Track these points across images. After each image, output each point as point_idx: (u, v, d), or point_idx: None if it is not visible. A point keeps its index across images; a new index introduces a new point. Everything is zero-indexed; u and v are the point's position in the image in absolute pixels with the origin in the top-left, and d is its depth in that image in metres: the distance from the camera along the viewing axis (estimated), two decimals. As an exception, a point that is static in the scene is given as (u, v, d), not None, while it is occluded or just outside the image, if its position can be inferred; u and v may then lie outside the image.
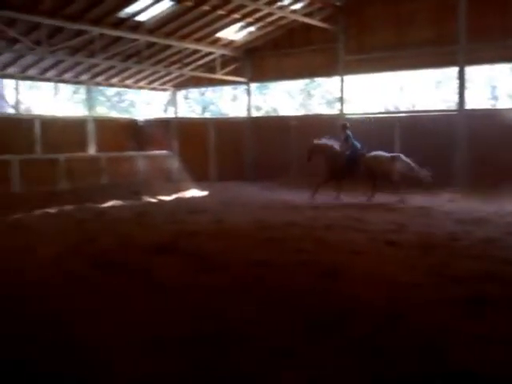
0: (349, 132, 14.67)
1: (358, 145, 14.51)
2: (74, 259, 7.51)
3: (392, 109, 27.81)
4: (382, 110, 26.19)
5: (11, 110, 30.19)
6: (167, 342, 4.31)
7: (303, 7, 17.93)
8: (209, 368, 3.86)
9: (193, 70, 21.11)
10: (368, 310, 5.03)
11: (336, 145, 14.63)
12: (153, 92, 25.32)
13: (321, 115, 23.89)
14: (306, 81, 28.75)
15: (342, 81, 19.04)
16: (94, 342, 4.34)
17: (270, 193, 16.02)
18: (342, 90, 19.20)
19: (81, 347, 4.25)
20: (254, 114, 23.69)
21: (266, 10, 17.17)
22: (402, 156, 14.03)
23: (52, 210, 12.95)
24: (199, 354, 4.08)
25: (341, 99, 19.36)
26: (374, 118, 18.63)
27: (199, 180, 17.52)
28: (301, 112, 31.06)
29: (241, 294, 5.71)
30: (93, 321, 4.91)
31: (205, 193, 16.53)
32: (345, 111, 19.16)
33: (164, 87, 23.75)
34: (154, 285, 6.10)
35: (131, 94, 31.86)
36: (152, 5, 15.71)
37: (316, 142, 14.74)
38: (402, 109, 27.40)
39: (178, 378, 3.74)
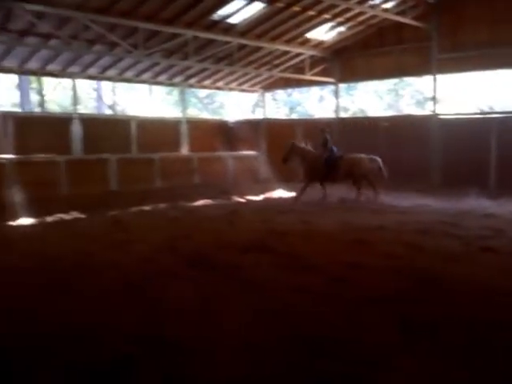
0: (327, 136, 15.14)
1: (335, 149, 15.06)
2: (168, 255, 7.79)
3: (487, 109, 26.63)
4: (477, 111, 25.13)
5: (109, 111, 31.73)
6: (264, 343, 4.35)
7: (395, 6, 17.57)
8: (307, 370, 3.89)
9: (282, 71, 21.23)
10: (467, 318, 4.88)
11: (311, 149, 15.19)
12: (242, 93, 25.71)
13: (412, 116, 23.30)
14: (395, 80, 28.11)
15: (435, 80, 18.47)
16: (191, 342, 4.42)
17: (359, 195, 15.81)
18: (434, 90, 18.63)
19: (176, 346, 4.34)
20: (342, 114, 23.45)
21: (356, 10, 16.97)
22: (378, 158, 14.82)
23: (147, 208, 13.51)
24: (297, 356, 4.10)
25: (433, 99, 18.79)
26: (467, 118, 17.93)
27: (287, 181, 17.61)
28: (389, 112, 30.43)
29: (334, 295, 5.71)
30: (186, 319, 5.02)
31: (292, 193, 16.60)
32: (437, 111, 18.58)
33: (253, 89, 24.07)
34: (248, 284, 6.17)
35: (221, 96, 32.54)
36: (244, 7, 15.97)
37: (295, 143, 15.13)
38: (497, 109, 26.16)
39: (276, 380, 3.79)
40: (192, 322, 4.91)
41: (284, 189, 17.02)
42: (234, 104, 30.83)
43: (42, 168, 14.69)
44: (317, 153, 14.98)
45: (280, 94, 32.34)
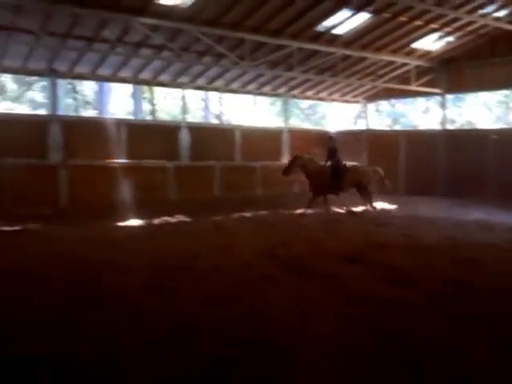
0: (334, 144, 14.76)
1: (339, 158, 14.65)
2: (268, 261, 7.96)
3: None
4: None
5: (215, 120, 32.78)
6: (358, 355, 4.33)
7: (508, 14, 16.81)
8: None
9: (386, 81, 20.96)
10: None
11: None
12: (344, 104, 25.62)
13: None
14: (505, 92, 26.79)
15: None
16: (291, 346, 4.48)
17: (463, 210, 15.23)
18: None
19: (277, 350, 4.41)
20: (448, 126, 22.71)
21: (466, 19, 16.44)
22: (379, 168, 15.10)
23: (248, 214, 13.85)
24: (392, 374, 4.06)
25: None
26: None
27: (388, 193, 17.35)
28: (499, 125, 29.01)
29: (433, 310, 5.59)
30: (286, 324, 5.09)
31: (393, 206, 16.32)
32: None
33: (356, 99, 23.92)
34: (345, 294, 6.18)
35: (323, 107, 32.59)
36: (349, 18, 15.98)
37: (299, 155, 14.64)
38: None
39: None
40: (291, 328, 4.99)
41: (385, 201, 16.75)
42: (336, 115, 30.76)
43: (151, 173, 15.52)
44: (320, 165, 14.57)
45: (383, 104, 31.85)
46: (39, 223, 11.45)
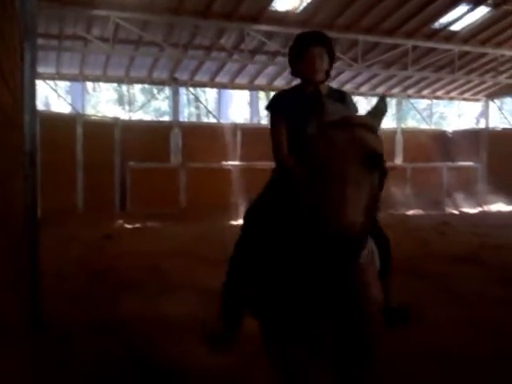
0: None
1: None
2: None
3: None
4: None
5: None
6: (466, 359, 4.24)
7: None
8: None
9: (509, 77, 19.88)
10: None
11: None
12: (463, 103, 24.62)
13: None
14: None
15: None
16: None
17: None
18: None
19: None
20: None
21: None
22: None
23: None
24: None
25: None
26: None
27: (507, 194, 16.49)
28: None
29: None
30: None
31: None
32: None
33: (476, 97, 22.90)
34: (453, 294, 6.12)
35: (442, 106, 31.46)
36: (467, 13, 15.43)
37: None
38: None
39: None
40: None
41: (503, 203, 15.96)
42: (456, 114, 29.60)
43: (262, 174, 16.01)
44: None
45: (508, 103, 30.11)
46: (161, 221, 12.26)
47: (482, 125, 23.54)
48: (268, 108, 3.43)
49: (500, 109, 25.56)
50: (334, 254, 2.15)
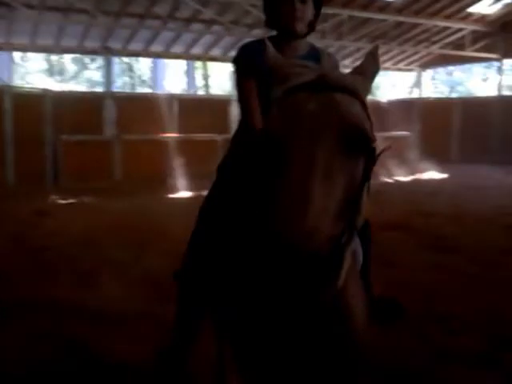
0: None
1: None
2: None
3: None
4: None
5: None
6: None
7: None
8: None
9: (440, 48, 20.38)
10: None
11: None
12: (397, 73, 25.10)
13: None
14: None
15: None
16: None
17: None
18: None
19: None
20: (507, 93, 21.93)
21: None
22: None
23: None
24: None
25: None
26: None
27: (440, 162, 17.03)
28: None
29: (476, 277, 5.61)
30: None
31: (444, 175, 16.03)
32: None
33: (409, 67, 23.38)
34: (385, 258, 6.25)
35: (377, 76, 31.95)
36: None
37: None
38: None
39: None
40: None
41: (436, 170, 16.49)
42: (390, 84, 30.19)
43: (201, 146, 15.83)
44: None
45: (440, 73, 30.96)
46: (96, 196, 11.96)
47: (415, 95, 24.12)
48: (236, 65, 2.71)
49: (433, 78, 26.25)
50: (286, 279, 1.43)
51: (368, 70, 1.83)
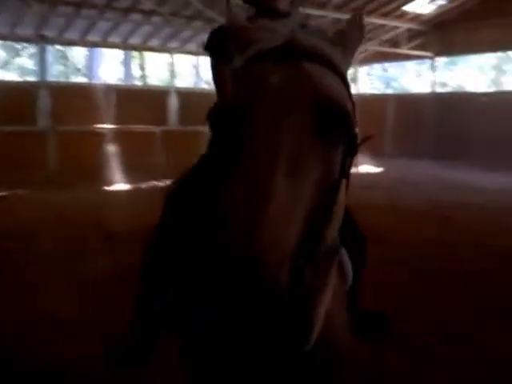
0: None
1: None
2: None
3: None
4: None
5: (205, 86, 32.56)
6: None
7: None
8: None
9: (377, 45, 20.88)
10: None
11: None
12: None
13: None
14: (501, 56, 26.65)
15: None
16: None
17: (451, 172, 15.41)
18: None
19: None
20: (440, 90, 22.74)
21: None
22: None
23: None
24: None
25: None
26: None
27: (374, 156, 17.50)
28: (492, 89, 28.96)
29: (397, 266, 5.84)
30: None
31: (379, 169, 16.48)
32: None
33: (347, 63, 23.82)
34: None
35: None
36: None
37: None
38: None
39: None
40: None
41: (371, 164, 16.92)
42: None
43: (139, 138, 15.60)
44: None
45: (376, 69, 31.69)
46: (29, 188, 11.60)
47: (352, 90, 24.54)
48: (209, 51, 2.38)
49: (369, 74, 26.85)
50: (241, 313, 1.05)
51: (350, 39, 1.50)
